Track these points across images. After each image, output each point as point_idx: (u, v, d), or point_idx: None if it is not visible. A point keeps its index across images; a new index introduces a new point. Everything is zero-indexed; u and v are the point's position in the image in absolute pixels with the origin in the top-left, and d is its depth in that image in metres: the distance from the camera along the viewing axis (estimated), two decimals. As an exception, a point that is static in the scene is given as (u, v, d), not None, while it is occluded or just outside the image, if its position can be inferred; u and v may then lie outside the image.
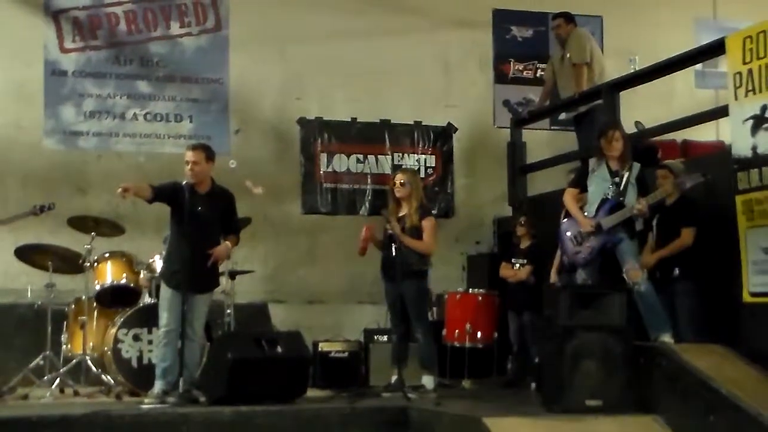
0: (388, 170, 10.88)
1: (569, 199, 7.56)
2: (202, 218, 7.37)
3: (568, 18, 10.02)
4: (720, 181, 7.09)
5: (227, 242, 7.58)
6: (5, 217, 7.86)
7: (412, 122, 11.28)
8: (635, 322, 6.99)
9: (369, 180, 11.10)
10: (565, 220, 7.62)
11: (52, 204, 8.06)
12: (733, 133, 7.08)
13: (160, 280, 7.86)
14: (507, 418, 6.40)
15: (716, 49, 7.72)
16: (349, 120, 11.12)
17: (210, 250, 7.44)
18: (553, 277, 8.30)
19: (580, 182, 7.58)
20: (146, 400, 7.22)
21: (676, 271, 7.26)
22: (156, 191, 7.40)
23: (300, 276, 10.73)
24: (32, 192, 9.80)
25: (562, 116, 10.87)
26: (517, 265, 8.97)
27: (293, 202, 10.93)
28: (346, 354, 9.05)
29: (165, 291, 7.47)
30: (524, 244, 9.04)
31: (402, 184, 8.17)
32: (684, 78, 10.79)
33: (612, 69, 9.76)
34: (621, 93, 9.00)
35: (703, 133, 9.88)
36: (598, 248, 7.28)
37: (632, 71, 9.13)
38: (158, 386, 7.31)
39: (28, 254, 8.45)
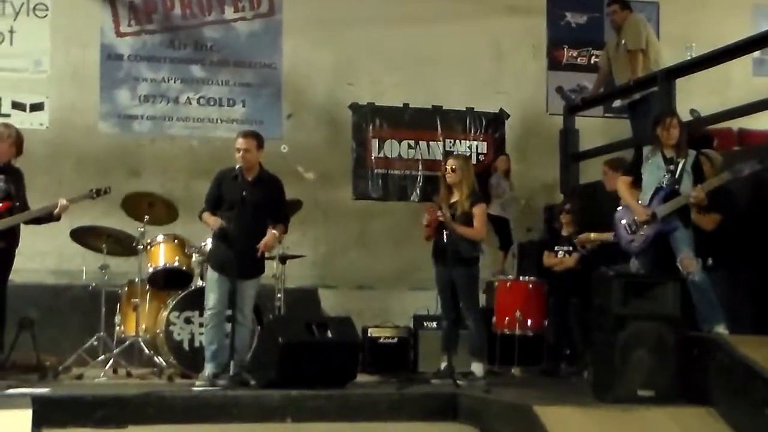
0: (439, 156, 10.84)
1: (623, 187, 7.47)
2: (249, 204, 7.38)
3: (624, 4, 9.90)
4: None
5: (274, 231, 7.57)
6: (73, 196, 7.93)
7: (464, 108, 11.23)
8: (689, 312, 6.89)
9: (420, 166, 11.07)
10: (620, 208, 7.52)
11: (108, 188, 8.11)
12: (790, 122, 6.95)
13: (206, 261, 7.92)
14: (557, 406, 6.33)
15: (775, 36, 7.58)
16: (401, 106, 11.10)
17: (258, 243, 7.44)
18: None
19: (634, 170, 7.49)
20: (197, 383, 7.26)
21: (710, 261, 7.16)
22: (212, 208, 7.53)
23: (350, 261, 10.74)
24: (86, 175, 9.91)
25: (617, 103, 10.76)
26: (561, 253, 8.90)
27: (344, 187, 10.94)
28: (395, 340, 9.06)
29: (211, 274, 7.51)
30: (567, 231, 8.97)
31: (453, 170, 8.11)
32: (741, 65, 10.64)
33: (668, 56, 9.63)
34: (677, 80, 8.89)
35: (760, 122, 9.69)
36: (653, 237, 7.19)
37: (688, 58, 8.99)
38: (209, 369, 7.34)
39: (82, 236, 8.52)
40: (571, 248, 8.82)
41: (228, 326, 7.36)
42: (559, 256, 8.92)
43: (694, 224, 7.17)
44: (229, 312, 7.42)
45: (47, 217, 7.63)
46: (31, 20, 10.28)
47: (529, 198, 10.70)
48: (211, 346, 7.38)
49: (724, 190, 7.15)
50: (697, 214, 7.18)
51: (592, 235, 8.09)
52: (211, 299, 7.42)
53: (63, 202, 7.56)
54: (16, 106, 10.18)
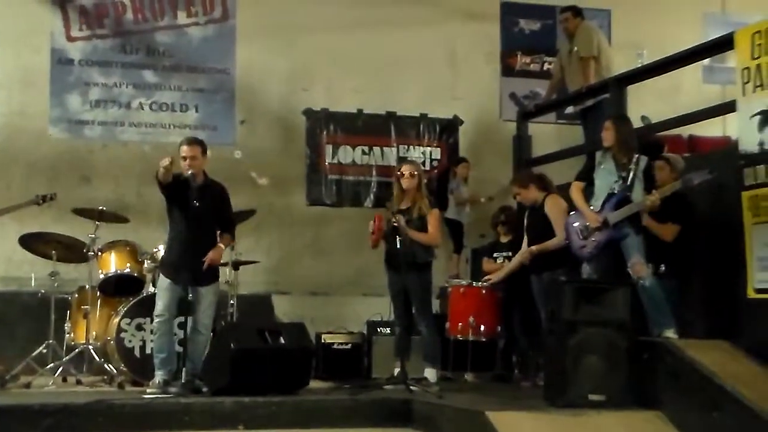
0: (393, 162, 10.89)
1: (575, 192, 7.53)
2: (198, 211, 7.35)
3: (576, 11, 10.00)
4: (726, 177, 7.06)
5: (220, 244, 7.57)
6: (6, 206, 7.82)
7: (418, 114, 11.27)
8: (640, 318, 6.96)
9: (374, 172, 11.11)
10: (572, 213, 7.59)
11: (53, 194, 8.06)
12: (740, 129, 7.05)
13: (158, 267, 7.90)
14: (509, 412, 6.38)
15: (725, 44, 7.67)
16: (355, 111, 11.12)
17: (208, 250, 7.42)
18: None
19: (586, 176, 7.56)
20: (148, 390, 7.22)
21: (662, 268, 7.24)
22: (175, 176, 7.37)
23: (304, 267, 10.73)
24: (37, 180, 9.83)
25: (569, 110, 10.86)
26: (500, 260, 8.98)
27: (298, 193, 10.93)
28: (349, 346, 9.08)
29: (162, 280, 7.48)
30: (506, 238, 9.06)
31: (412, 175, 8.14)
32: (692, 73, 10.75)
33: (619, 63, 9.72)
34: (628, 87, 8.98)
35: (710, 129, 9.83)
36: (604, 243, 7.26)
37: (640, 65, 9.09)
38: (159, 376, 7.31)
39: (32, 242, 8.45)
40: (510, 254, 8.90)
41: (179, 333, 7.31)
42: (498, 262, 9.01)
43: (652, 233, 7.25)
44: (181, 319, 7.39)
45: None
46: (-22, 24, 10.18)
47: (487, 200, 10.73)
48: (160, 354, 7.35)
49: (681, 198, 7.24)
50: (657, 224, 7.26)
51: (534, 248, 8.16)
52: (159, 306, 7.40)
53: None
54: (-36, 110, 10.06)
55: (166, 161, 7.18)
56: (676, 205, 7.20)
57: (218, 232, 7.63)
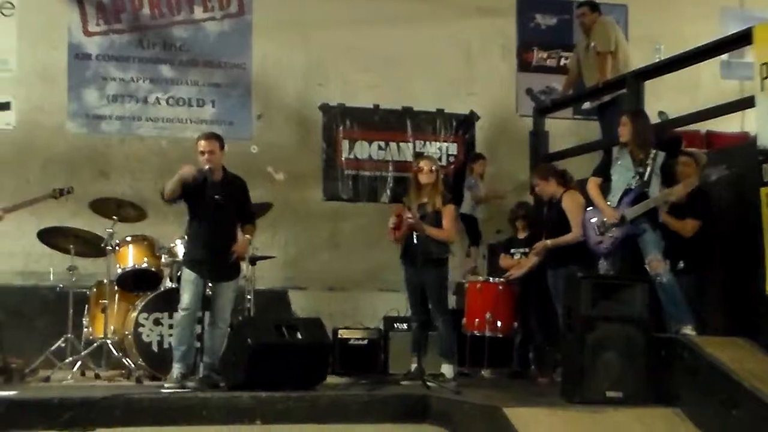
0: (409, 158, 10.90)
1: (593, 187, 7.53)
2: (218, 206, 7.38)
3: (593, 6, 9.96)
4: (744, 172, 7.04)
5: (246, 236, 7.60)
6: (24, 200, 7.85)
7: (434, 110, 11.27)
8: (658, 314, 6.95)
9: (390, 167, 11.11)
10: (589, 208, 7.58)
11: (70, 187, 8.08)
12: (758, 125, 7.01)
13: (181, 264, 7.89)
14: (526, 408, 6.38)
15: (743, 39, 7.64)
16: (372, 107, 11.12)
17: (232, 248, 7.45)
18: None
19: (603, 171, 7.55)
20: (166, 384, 7.24)
21: (681, 264, 7.23)
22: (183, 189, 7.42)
23: (320, 263, 10.74)
24: (54, 175, 9.86)
25: (586, 105, 10.81)
26: (517, 255, 8.98)
27: (314, 188, 10.94)
28: (365, 341, 9.07)
29: (187, 274, 7.49)
30: (523, 234, 9.06)
31: (430, 171, 8.15)
32: (709, 68, 10.72)
33: (637, 58, 9.68)
34: (646, 82, 8.94)
35: (728, 124, 9.81)
36: (621, 239, 7.25)
37: (657, 60, 9.06)
38: (177, 370, 7.32)
39: (50, 237, 8.48)
40: (527, 250, 8.90)
41: (198, 327, 7.34)
42: (515, 258, 9.00)
43: (671, 229, 7.23)
44: (199, 314, 7.42)
45: None
46: (-3, 19, 10.23)
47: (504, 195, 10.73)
48: (180, 347, 7.36)
49: (700, 194, 7.23)
50: (676, 221, 7.24)
51: (548, 242, 8.15)
52: (184, 299, 7.40)
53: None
54: (-18, 105, 10.12)
55: (189, 172, 7.21)
56: (696, 201, 7.19)
57: (240, 225, 7.63)
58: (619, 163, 7.38)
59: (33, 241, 8.57)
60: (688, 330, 6.86)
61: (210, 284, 7.49)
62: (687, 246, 7.23)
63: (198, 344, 7.47)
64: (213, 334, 7.40)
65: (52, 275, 8.92)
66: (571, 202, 8.08)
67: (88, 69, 10.46)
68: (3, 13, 10.23)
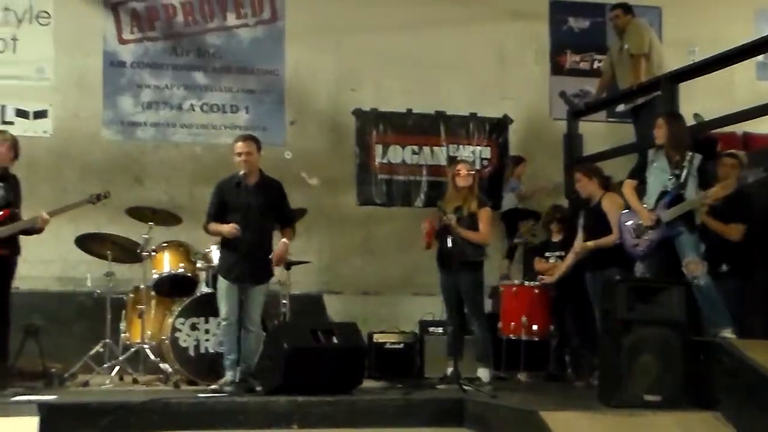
0: (443, 162, 10.90)
1: (628, 190, 7.48)
2: (253, 209, 7.40)
3: (626, 8, 9.92)
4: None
5: (284, 239, 7.58)
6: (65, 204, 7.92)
7: (467, 114, 11.25)
8: (697, 317, 6.89)
9: (424, 171, 11.10)
10: (625, 211, 7.54)
11: (107, 192, 8.12)
12: (796, 126, 6.96)
13: (216, 271, 7.94)
14: (563, 411, 6.33)
15: (779, 40, 7.59)
16: (405, 111, 11.12)
17: (265, 248, 7.47)
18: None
19: (639, 174, 7.51)
20: (210, 387, 7.29)
21: (724, 267, 7.17)
22: (215, 219, 7.53)
23: (355, 267, 10.75)
24: (90, 182, 9.90)
25: (620, 108, 10.77)
26: (552, 259, 8.95)
27: (348, 193, 10.96)
28: (401, 345, 9.07)
29: (222, 282, 7.53)
30: (557, 237, 9.03)
31: (469, 174, 8.16)
32: (745, 69, 10.64)
33: (671, 60, 9.62)
34: (680, 84, 8.90)
35: (765, 125, 9.70)
36: (658, 241, 7.20)
37: (692, 62, 9.00)
38: (228, 376, 7.39)
39: (87, 243, 8.56)
40: (562, 254, 8.87)
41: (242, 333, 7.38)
42: (550, 261, 8.98)
43: (712, 232, 7.17)
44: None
45: (30, 229, 7.57)
46: (34, 28, 10.31)
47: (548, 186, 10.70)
48: (229, 356, 7.43)
49: (743, 196, 7.16)
50: (721, 224, 7.19)
51: (590, 243, 8.11)
52: (223, 310, 7.47)
53: (44, 215, 7.51)
54: (20, 113, 10.20)
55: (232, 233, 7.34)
56: (739, 204, 7.13)
57: (279, 229, 7.66)
58: (654, 165, 7.33)
59: (70, 248, 8.65)
60: (727, 333, 6.79)
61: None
62: (730, 249, 7.17)
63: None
64: (246, 338, 7.42)
65: (89, 281, 9.00)
66: (611, 204, 8.03)
67: (123, 76, 10.54)
68: (39, 23, 10.33)
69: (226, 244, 7.58)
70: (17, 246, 7.52)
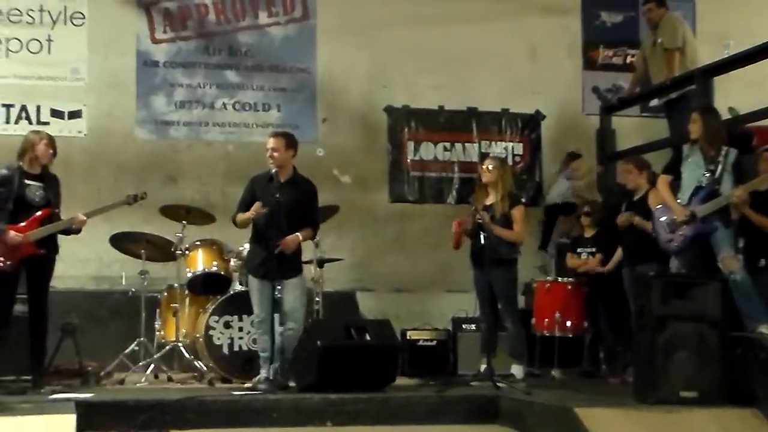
0: (475, 158, 10.85)
1: (662, 185, 7.43)
2: (282, 205, 7.38)
3: (660, 2, 9.81)
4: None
5: (298, 233, 7.52)
6: (99, 206, 7.96)
7: (499, 110, 11.20)
8: (733, 313, 6.82)
9: (456, 168, 11.06)
10: (659, 206, 7.48)
11: (144, 193, 8.17)
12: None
13: (246, 268, 7.99)
14: (599, 408, 6.29)
15: (815, 32, 7.49)
16: (436, 108, 11.09)
17: (278, 241, 7.42)
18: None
19: (673, 169, 7.45)
20: (246, 385, 7.33)
21: (762, 262, 7.09)
22: (243, 210, 7.56)
23: (388, 264, 10.74)
24: (124, 181, 10.01)
25: (654, 102, 10.68)
26: (584, 255, 8.90)
27: (380, 190, 10.94)
28: (434, 342, 9.04)
29: (251, 281, 7.56)
30: (589, 232, 8.98)
31: (489, 170, 8.13)
32: (780, 63, 10.49)
33: (705, 54, 9.53)
34: (715, 78, 8.80)
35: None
36: (692, 237, 7.14)
37: (726, 56, 8.91)
38: (262, 374, 7.42)
39: (122, 242, 8.61)
40: (594, 250, 8.82)
41: (277, 330, 7.36)
42: (582, 257, 8.93)
43: (750, 227, 7.10)
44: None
45: (68, 230, 7.62)
46: (68, 29, 10.38)
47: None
48: (263, 354, 7.45)
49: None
50: (763, 217, 7.12)
51: (636, 219, 8.00)
52: (255, 308, 7.50)
53: (81, 217, 7.56)
54: (55, 114, 10.27)
55: (258, 212, 7.35)
56: None
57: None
58: (689, 160, 7.28)
59: (105, 247, 8.70)
60: (765, 329, 6.72)
61: (278, 287, 7.47)
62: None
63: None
64: (284, 334, 7.40)
65: (124, 280, 9.06)
66: (656, 201, 7.94)
67: (156, 76, 10.59)
68: (73, 24, 10.40)
69: (254, 240, 7.60)
70: (56, 246, 7.58)
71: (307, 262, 8.25)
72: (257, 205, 7.39)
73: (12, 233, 7.24)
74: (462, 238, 8.10)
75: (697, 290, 6.69)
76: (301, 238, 7.55)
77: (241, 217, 7.55)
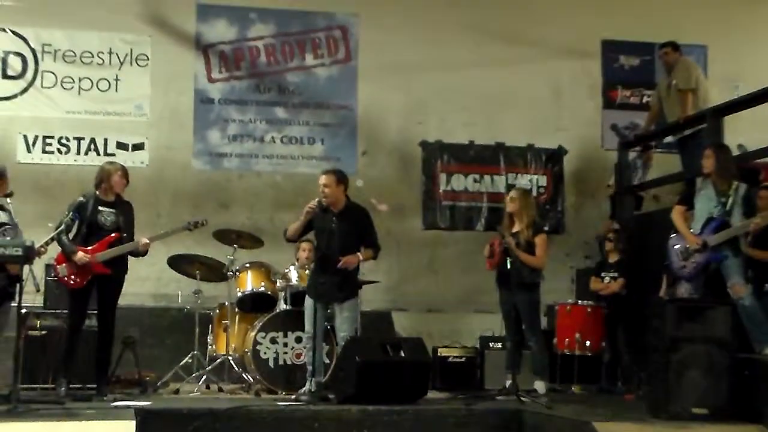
0: (502, 189, 10.85)
1: (677, 216, 7.40)
2: (336, 234, 7.43)
3: (675, 46, 9.83)
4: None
5: (359, 253, 7.59)
6: (161, 231, 8.05)
7: (525, 145, 11.20)
8: (742, 336, 6.76)
9: (485, 198, 11.06)
10: (674, 235, 7.45)
11: (205, 220, 8.22)
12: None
13: (294, 288, 8.13)
14: (615, 423, 6.26)
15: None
16: (467, 143, 11.12)
17: (341, 276, 7.47)
18: (663, 291, 8.10)
19: (687, 200, 7.42)
20: (302, 398, 7.34)
21: (767, 287, 7.04)
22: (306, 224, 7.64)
23: (421, 286, 10.74)
24: (182, 208, 10.13)
25: (668, 139, 10.64)
26: (607, 279, 8.86)
27: (415, 218, 10.96)
28: (463, 359, 9.04)
29: (306, 300, 7.62)
30: (613, 258, 8.93)
31: (512, 200, 8.14)
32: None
33: (716, 95, 9.51)
34: (725, 117, 8.77)
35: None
36: (703, 264, 7.10)
37: (735, 97, 8.88)
38: (307, 385, 7.45)
39: (178, 263, 8.68)
40: (616, 274, 8.78)
41: (325, 346, 7.43)
42: (605, 281, 8.89)
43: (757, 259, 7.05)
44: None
45: (135, 252, 7.70)
46: (133, 69, 10.54)
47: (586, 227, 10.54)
48: (310, 367, 7.49)
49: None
50: (762, 252, 7.07)
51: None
52: (306, 325, 7.57)
53: (144, 240, 7.63)
54: (120, 146, 10.42)
55: (311, 206, 7.43)
56: None
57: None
58: (702, 192, 7.25)
59: (163, 267, 8.77)
60: (771, 351, 6.66)
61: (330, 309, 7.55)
62: None
63: (327, 361, 7.72)
64: (330, 352, 7.42)
65: (180, 297, 9.11)
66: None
67: (211, 112, 10.72)
68: (138, 65, 10.56)
69: (315, 266, 7.69)
70: (125, 266, 7.67)
71: (365, 282, 8.35)
72: (308, 205, 7.45)
73: (80, 254, 7.35)
74: (500, 251, 7.94)
75: (707, 314, 6.62)
76: (362, 257, 7.60)
77: (293, 226, 7.62)
